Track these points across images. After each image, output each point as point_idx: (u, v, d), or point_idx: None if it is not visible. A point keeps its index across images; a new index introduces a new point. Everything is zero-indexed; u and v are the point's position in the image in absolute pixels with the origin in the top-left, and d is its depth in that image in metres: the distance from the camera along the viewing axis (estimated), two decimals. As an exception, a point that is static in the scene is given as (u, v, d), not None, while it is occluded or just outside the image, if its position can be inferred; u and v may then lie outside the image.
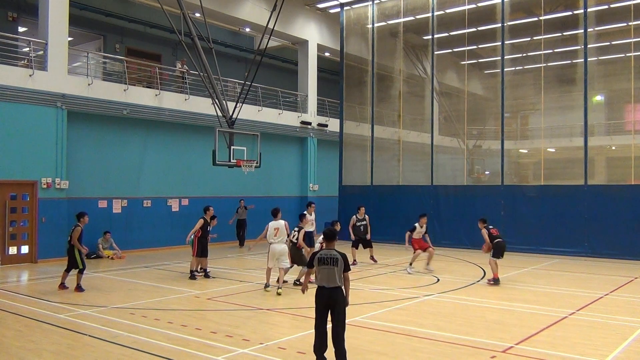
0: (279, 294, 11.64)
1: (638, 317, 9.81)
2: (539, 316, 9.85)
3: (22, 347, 7.76)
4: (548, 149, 22.88)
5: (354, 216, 16.81)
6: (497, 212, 20.37)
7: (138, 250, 19.33)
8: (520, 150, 26.64)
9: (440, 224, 21.91)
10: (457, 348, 7.82)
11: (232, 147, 17.95)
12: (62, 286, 12.15)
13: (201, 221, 13.66)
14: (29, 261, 16.61)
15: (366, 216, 16.76)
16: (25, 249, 16.68)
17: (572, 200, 19.18)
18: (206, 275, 13.88)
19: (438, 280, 13.80)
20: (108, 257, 17.82)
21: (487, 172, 26.45)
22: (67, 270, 12.15)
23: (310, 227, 15.50)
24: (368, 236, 16.64)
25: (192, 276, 13.66)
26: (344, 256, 7.06)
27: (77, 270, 11.98)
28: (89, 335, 8.34)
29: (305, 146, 26.54)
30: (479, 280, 13.86)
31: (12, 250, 16.41)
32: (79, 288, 11.94)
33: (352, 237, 16.65)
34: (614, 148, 23.88)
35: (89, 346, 7.83)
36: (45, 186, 16.75)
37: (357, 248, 16.58)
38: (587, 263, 17.29)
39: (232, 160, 17.86)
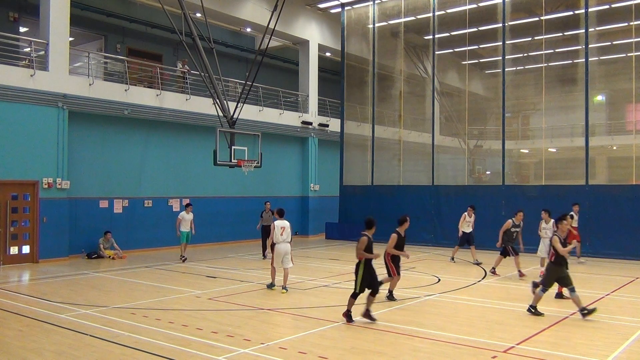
0: (284, 291, 11.93)
1: (639, 317, 9.80)
2: (540, 316, 9.84)
3: (24, 347, 7.77)
4: (549, 149, 22.88)
5: (510, 220, 14.52)
6: (498, 212, 20.36)
7: (139, 250, 19.36)
8: (521, 150, 26.64)
9: (441, 224, 21.92)
10: (458, 348, 7.82)
11: (233, 147, 17.97)
12: (347, 314, 9.27)
13: (395, 237, 10.92)
14: (30, 261, 16.62)
15: (522, 223, 14.54)
16: (26, 249, 16.69)
17: (574, 200, 19.14)
18: (391, 297, 11.28)
19: (439, 280, 13.80)
20: (109, 257, 17.83)
21: (488, 172, 26.46)
22: (368, 295, 9.35)
23: (467, 227, 16.77)
24: (521, 246, 14.59)
25: (391, 297, 11.25)
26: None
27: (352, 293, 9.27)
28: (90, 335, 8.34)
29: (306, 146, 26.54)
30: (480, 280, 13.86)
31: (14, 250, 16.44)
32: (367, 314, 9.23)
33: (499, 244, 14.32)
34: (615, 148, 23.88)
35: (90, 346, 7.83)
36: (46, 186, 16.77)
37: (505, 256, 14.46)
38: (588, 263, 17.27)
39: (233, 160, 17.88)
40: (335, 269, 15.92)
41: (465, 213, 16.92)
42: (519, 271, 14.11)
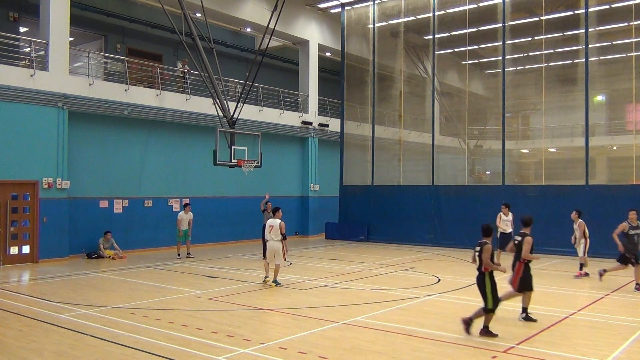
0: (270, 284, 12.68)
1: (639, 317, 9.81)
2: (540, 316, 9.82)
3: (24, 347, 7.77)
4: (549, 149, 22.89)
5: (625, 222, 12.71)
6: (498, 212, 20.37)
7: (139, 250, 19.36)
8: (521, 151, 26.65)
9: (441, 224, 21.93)
10: (458, 348, 7.82)
11: (233, 147, 17.99)
12: (485, 331, 8.46)
13: (530, 240, 9.23)
14: (30, 261, 16.62)
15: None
16: (26, 249, 16.69)
17: (573, 200, 19.12)
18: (528, 317, 9.53)
19: (439, 280, 13.80)
20: (109, 257, 17.82)
21: (488, 172, 26.45)
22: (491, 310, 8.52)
23: (506, 227, 16.26)
24: None
25: (527, 317, 9.54)
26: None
27: (486, 309, 8.46)
28: (90, 335, 8.34)
29: (306, 146, 26.54)
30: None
31: (14, 250, 16.43)
32: (485, 331, 8.44)
33: (620, 248, 12.50)
34: (615, 148, 23.89)
35: (90, 346, 7.83)
36: (46, 186, 16.77)
37: (625, 265, 12.59)
38: (588, 263, 17.24)
39: (233, 160, 17.90)
40: (335, 269, 15.92)
41: (501, 213, 16.47)
42: (637, 284, 12.48)
